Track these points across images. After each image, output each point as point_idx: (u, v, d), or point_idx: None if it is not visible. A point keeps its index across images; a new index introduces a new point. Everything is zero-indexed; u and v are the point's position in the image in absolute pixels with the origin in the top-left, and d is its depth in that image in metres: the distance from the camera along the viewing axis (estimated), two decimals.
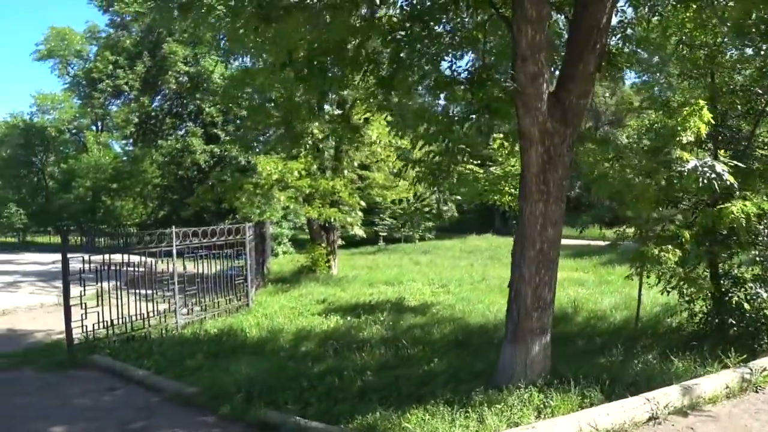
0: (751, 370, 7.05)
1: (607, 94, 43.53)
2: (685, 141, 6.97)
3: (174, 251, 11.96)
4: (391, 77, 7.68)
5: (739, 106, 8.99)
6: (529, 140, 6.45)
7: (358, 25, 7.06)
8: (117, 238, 12.56)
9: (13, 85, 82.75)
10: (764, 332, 8.43)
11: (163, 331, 11.42)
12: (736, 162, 6.74)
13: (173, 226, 12.61)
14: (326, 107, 17.45)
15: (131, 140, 37.74)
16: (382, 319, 11.57)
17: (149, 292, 11.78)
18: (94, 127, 42.53)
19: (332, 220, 17.80)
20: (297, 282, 17.46)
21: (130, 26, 34.86)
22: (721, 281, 8.92)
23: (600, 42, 6.67)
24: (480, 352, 8.91)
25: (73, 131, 43.64)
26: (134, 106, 34.17)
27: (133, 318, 11.02)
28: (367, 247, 32.11)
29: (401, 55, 7.45)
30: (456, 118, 7.00)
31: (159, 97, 36.87)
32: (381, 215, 31.58)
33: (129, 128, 34.62)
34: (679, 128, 6.95)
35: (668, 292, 8.47)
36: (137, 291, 11.61)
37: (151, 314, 11.36)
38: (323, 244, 19.23)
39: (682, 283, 7.98)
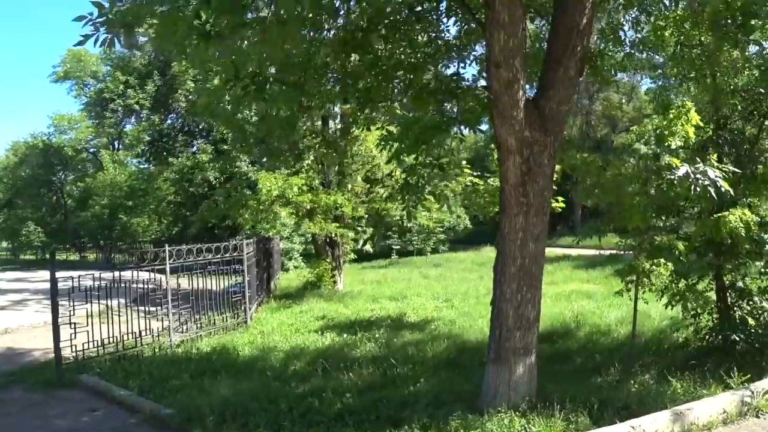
0: (753, 392, 6.59)
1: (624, 101, 42.86)
2: (674, 146, 6.59)
3: (167, 269, 11.80)
4: (368, 90, 7.45)
5: (740, 108, 8.55)
6: (506, 150, 6.13)
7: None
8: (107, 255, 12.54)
9: (32, 107, 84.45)
10: None
11: (157, 350, 11.25)
12: (733, 168, 6.30)
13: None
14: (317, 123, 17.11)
15: (144, 158, 38.03)
16: (377, 336, 11.26)
17: (152, 309, 11.69)
18: (111, 147, 43.09)
19: (334, 235, 17.55)
20: (301, 298, 17.21)
21: (143, 46, 35.18)
22: (728, 294, 8.50)
23: (581, 45, 6.33)
24: (471, 371, 8.55)
25: (91, 150, 44.22)
26: (145, 125, 34.37)
27: (126, 336, 10.88)
28: (379, 260, 31.82)
29: (380, 64, 7.22)
30: (427, 130, 6.68)
31: (172, 115, 37.13)
32: (394, 228, 31.26)
33: (140, 147, 34.85)
34: (666, 133, 6.57)
35: (672, 305, 8.04)
36: (138, 308, 11.52)
37: (145, 332, 11.23)
38: (328, 259, 18.98)
39: (677, 297, 7.54)
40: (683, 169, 6.13)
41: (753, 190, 7.98)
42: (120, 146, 43.10)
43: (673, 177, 6.32)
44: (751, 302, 8.01)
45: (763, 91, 8.11)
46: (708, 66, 8.51)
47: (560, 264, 24.00)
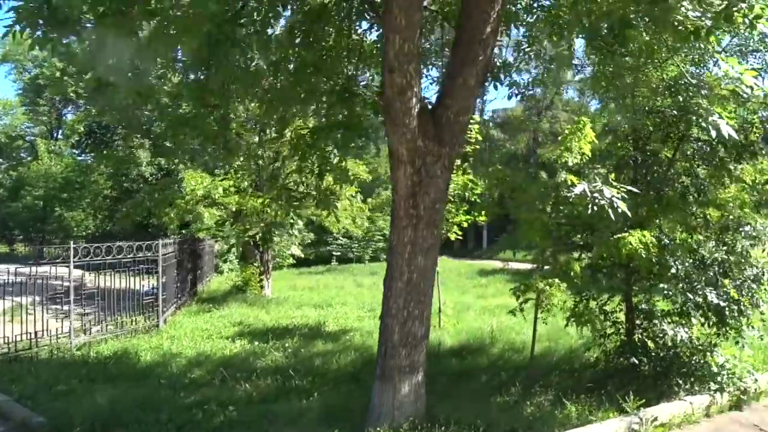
0: (641, 419, 6.50)
1: (573, 119, 43.47)
2: (570, 163, 6.44)
3: (71, 267, 11.20)
4: (274, 90, 7.13)
5: (651, 128, 8.49)
6: (397, 159, 5.87)
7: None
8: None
9: None
10: (675, 373, 7.91)
11: (54, 352, 10.63)
12: (630, 188, 6.16)
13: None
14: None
15: (80, 150, 36.66)
16: (287, 345, 10.88)
17: (65, 308, 11.11)
18: (51, 136, 41.43)
19: (258, 239, 17.08)
20: (224, 302, 16.63)
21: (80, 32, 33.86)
22: (635, 316, 8.44)
23: (483, 55, 6.12)
24: (371, 386, 8.27)
25: (28, 138, 42.46)
26: (81, 115, 33.09)
27: (21, 337, 10.26)
28: (318, 266, 31.35)
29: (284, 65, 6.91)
30: (315, 135, 6.38)
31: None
32: (334, 234, 30.80)
33: (75, 137, 33.54)
34: (562, 149, 6.42)
35: (569, 325, 7.92)
36: (50, 307, 10.94)
37: (46, 333, 10.62)
38: (256, 264, 18.46)
39: (573, 318, 7.42)
40: (580, 187, 5.96)
41: (661, 213, 7.94)
42: (60, 136, 41.51)
43: (570, 195, 6.16)
44: (652, 325, 7.94)
45: (677, 113, 8.05)
46: (627, 86, 8.41)
47: (495, 277, 23.98)
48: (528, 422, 6.54)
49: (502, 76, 7.09)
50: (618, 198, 6.03)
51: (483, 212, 10.90)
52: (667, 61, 7.52)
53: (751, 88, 4.97)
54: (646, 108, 8.53)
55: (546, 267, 7.43)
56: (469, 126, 10.04)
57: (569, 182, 6.31)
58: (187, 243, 16.88)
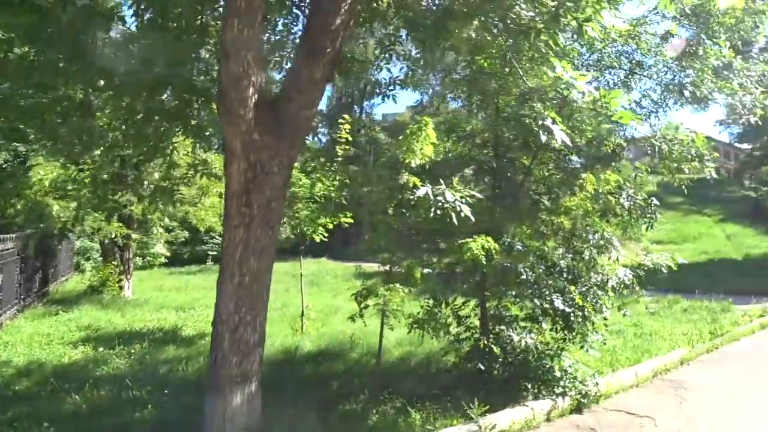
0: (480, 427, 6.42)
1: None
2: (414, 164, 6.28)
3: None
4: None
5: (510, 136, 8.54)
6: (231, 153, 5.43)
7: None
8: None
9: None
10: (523, 378, 7.97)
11: None
12: (473, 192, 6.03)
13: None
14: None
15: None
16: (133, 351, 10.10)
17: None
18: None
19: (114, 236, 15.96)
20: (76, 304, 15.35)
21: None
22: (488, 321, 8.45)
23: (332, 47, 5.80)
24: None
25: None
26: None
27: None
28: (192, 266, 30.00)
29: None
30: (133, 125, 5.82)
31: None
32: (211, 234, 29.59)
33: None
34: (405, 149, 6.24)
35: (410, 332, 7.73)
36: None
37: None
38: (115, 262, 17.23)
39: (415, 324, 7.28)
40: (423, 190, 5.76)
41: (513, 220, 7.98)
42: None
43: (412, 197, 5.97)
44: (501, 330, 7.97)
45: (528, 121, 8.11)
46: (489, 91, 8.39)
47: (374, 280, 23.81)
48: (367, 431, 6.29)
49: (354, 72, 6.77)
50: (461, 202, 5.88)
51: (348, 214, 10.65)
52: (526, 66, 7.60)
53: (583, 93, 4.98)
54: (504, 114, 8.58)
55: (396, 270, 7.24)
56: (344, 126, 9.79)
57: (411, 184, 6.13)
58: (34, 238, 15.47)
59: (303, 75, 5.75)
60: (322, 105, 53.99)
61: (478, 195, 6.12)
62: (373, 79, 8.45)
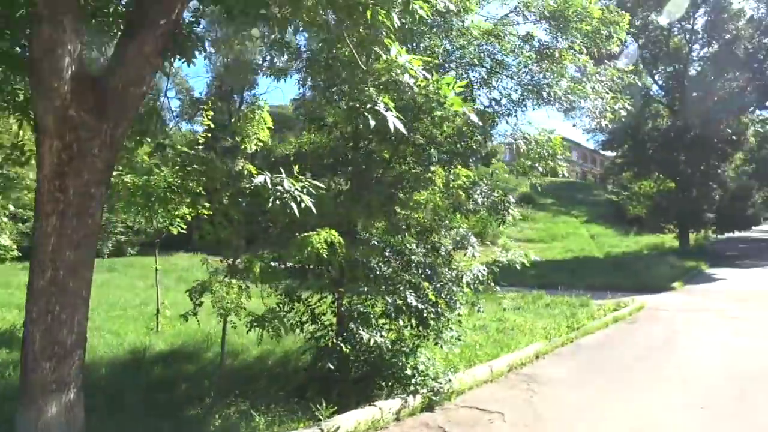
0: (322, 430, 6.16)
1: None
2: (249, 150, 5.92)
3: None
4: None
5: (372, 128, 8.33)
6: (43, 131, 4.82)
7: None
8: None
9: None
10: (377, 376, 7.79)
11: None
12: (315, 182, 5.73)
13: None
14: None
15: None
16: None
17: None
18: None
19: None
20: None
21: None
22: (343, 319, 8.21)
23: (166, 19, 5.29)
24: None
25: None
26: None
27: None
28: None
29: None
30: None
31: None
32: None
33: None
34: (242, 134, 5.87)
35: (250, 330, 7.32)
36: None
37: None
38: None
39: (255, 322, 6.93)
40: (261, 178, 5.38)
41: (367, 214, 7.79)
42: None
43: (249, 186, 5.59)
44: (351, 328, 7.73)
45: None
46: (345, 78, 8.09)
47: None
48: None
49: (196, 53, 6.24)
50: (300, 192, 5.55)
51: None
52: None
53: (416, 78, 4.83)
54: (359, 104, 8.37)
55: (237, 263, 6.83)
56: (206, 113, 9.18)
57: (247, 171, 5.75)
58: None
59: (131, 48, 5.21)
60: (199, 92, 51.94)
61: (319, 185, 5.80)
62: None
